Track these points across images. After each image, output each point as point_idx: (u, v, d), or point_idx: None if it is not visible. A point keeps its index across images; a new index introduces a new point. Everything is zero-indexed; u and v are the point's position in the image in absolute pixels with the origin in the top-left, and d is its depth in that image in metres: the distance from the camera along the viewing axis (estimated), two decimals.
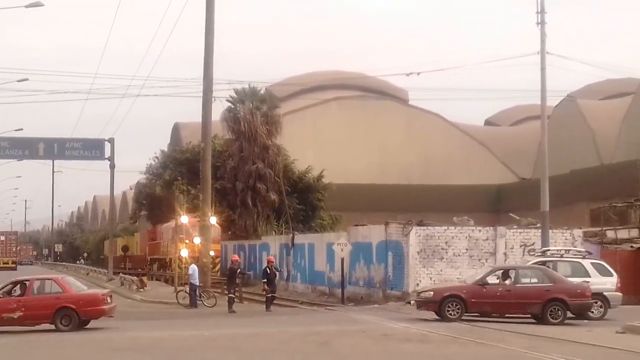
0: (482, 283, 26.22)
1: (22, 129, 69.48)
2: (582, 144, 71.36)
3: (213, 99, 40.53)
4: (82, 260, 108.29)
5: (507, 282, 26.31)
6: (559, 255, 29.70)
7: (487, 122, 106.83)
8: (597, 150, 70.95)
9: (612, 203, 46.53)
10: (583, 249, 31.90)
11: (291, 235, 46.84)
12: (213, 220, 46.80)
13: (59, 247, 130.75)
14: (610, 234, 41.34)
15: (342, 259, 36.51)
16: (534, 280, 26.48)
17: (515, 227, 36.89)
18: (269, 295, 33.69)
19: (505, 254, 34.84)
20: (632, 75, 67.66)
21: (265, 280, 33.89)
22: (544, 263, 28.65)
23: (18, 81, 52.67)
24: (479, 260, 35.29)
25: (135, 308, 38.01)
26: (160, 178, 62.85)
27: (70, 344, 21.30)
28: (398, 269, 34.27)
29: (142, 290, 45.91)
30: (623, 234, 41.66)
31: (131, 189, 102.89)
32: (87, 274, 76.38)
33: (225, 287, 36.71)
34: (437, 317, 26.07)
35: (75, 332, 24.42)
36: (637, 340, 19.96)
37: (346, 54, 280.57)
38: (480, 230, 35.64)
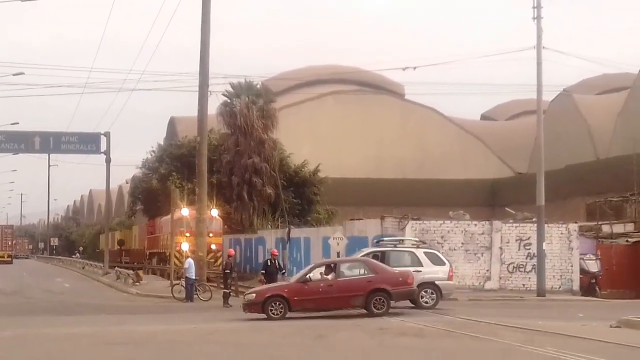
0: (304, 280, 25.84)
1: (17, 123, 69.54)
2: (577, 139, 71.41)
3: (209, 93, 40.51)
4: (77, 254, 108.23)
5: (330, 276, 25.84)
6: (393, 246, 29.78)
7: (483, 117, 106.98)
8: (592, 145, 71.01)
9: (608, 197, 46.70)
10: (417, 239, 31.86)
11: (287, 229, 46.77)
12: (214, 212, 46.62)
13: (54, 241, 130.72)
14: (605, 228, 41.47)
15: (338, 253, 36.49)
16: (357, 272, 26.14)
17: (511, 221, 36.97)
18: None
19: (501, 248, 34.93)
20: (628, 69, 67.83)
21: (263, 271, 33.26)
22: (381, 254, 28.70)
23: (14, 75, 52.78)
24: (475, 254, 35.42)
25: (130, 302, 38.04)
26: (156, 172, 62.77)
27: (65, 338, 21.31)
28: None
29: (137, 284, 45.96)
30: (618, 228, 41.81)
31: (127, 182, 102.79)
32: (83, 268, 76.49)
33: (222, 281, 36.73)
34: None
35: (71, 326, 24.44)
36: (632, 334, 20.02)
37: (342, 48, 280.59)
38: (476, 225, 35.75)
